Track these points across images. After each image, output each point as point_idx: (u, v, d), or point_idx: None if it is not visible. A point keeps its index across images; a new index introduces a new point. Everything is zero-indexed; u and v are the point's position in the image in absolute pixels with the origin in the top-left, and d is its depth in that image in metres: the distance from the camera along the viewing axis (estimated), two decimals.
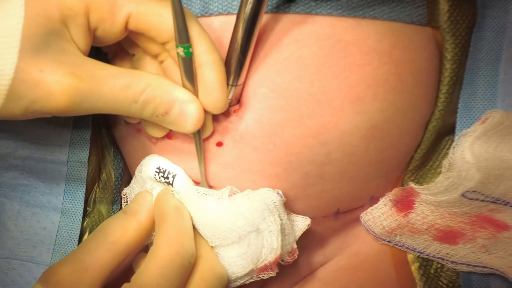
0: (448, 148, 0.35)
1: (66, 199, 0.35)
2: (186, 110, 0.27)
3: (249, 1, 0.25)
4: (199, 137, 0.30)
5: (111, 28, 0.26)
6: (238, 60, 0.28)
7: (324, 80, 0.29)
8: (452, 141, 0.34)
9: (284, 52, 0.29)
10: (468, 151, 0.32)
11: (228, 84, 0.29)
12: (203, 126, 0.29)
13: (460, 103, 0.34)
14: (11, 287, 0.34)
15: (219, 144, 0.30)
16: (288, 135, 0.30)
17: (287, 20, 0.30)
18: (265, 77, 0.29)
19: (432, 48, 0.32)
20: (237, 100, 0.30)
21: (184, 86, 0.27)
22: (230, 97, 0.29)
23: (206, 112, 0.28)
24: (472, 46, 0.33)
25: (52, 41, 0.24)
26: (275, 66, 0.29)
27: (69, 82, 0.24)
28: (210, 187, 0.32)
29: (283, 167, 0.30)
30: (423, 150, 0.35)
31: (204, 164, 0.31)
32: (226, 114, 0.30)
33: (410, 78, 0.31)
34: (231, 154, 0.30)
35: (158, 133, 0.31)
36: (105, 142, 0.38)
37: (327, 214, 0.34)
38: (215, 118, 0.30)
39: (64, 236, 0.35)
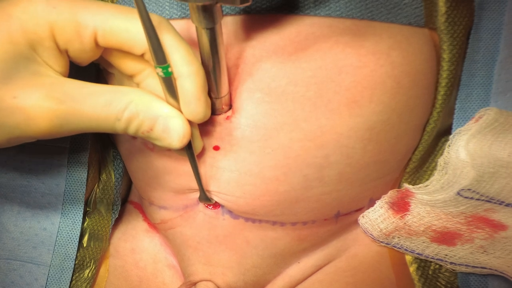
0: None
1: (66, 200, 0.35)
2: (170, 125, 0.25)
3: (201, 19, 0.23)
4: (190, 152, 0.29)
5: (81, 48, 0.24)
6: (211, 76, 0.27)
7: (321, 83, 0.29)
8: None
9: (280, 55, 0.29)
10: (463, 150, 0.32)
11: (211, 97, 0.28)
12: (193, 141, 0.28)
13: (457, 104, 0.34)
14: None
15: (216, 148, 0.30)
16: (284, 139, 0.29)
17: (284, 21, 0.29)
18: (260, 81, 0.29)
19: (430, 50, 0.32)
20: (229, 106, 0.30)
21: (168, 103, 0.26)
22: (217, 106, 0.29)
23: (193, 126, 0.27)
24: (470, 47, 0.33)
25: (22, 66, 0.23)
26: (270, 70, 0.29)
27: (47, 105, 0.23)
28: (209, 192, 0.32)
29: (282, 170, 0.30)
30: (421, 152, 0.35)
31: (200, 173, 0.31)
32: (220, 120, 0.30)
33: (407, 80, 0.31)
34: (229, 158, 0.30)
35: None
36: (104, 143, 0.38)
37: (328, 217, 0.34)
38: (210, 123, 0.30)
39: (64, 237, 0.35)
